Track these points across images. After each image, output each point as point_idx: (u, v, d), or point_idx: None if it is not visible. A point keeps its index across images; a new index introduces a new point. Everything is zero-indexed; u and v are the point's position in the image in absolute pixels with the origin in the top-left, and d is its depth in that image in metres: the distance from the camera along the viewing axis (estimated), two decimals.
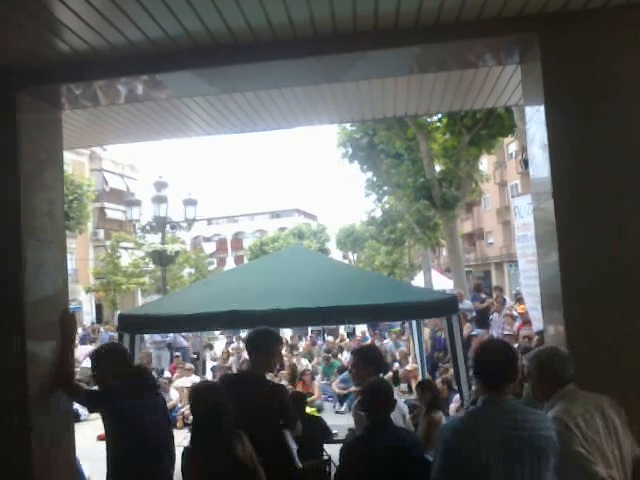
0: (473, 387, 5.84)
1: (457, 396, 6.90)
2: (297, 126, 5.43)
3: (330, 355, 13.51)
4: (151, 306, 6.94)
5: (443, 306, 5.89)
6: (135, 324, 5.82)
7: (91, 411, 3.93)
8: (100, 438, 9.47)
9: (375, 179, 21.86)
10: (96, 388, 3.61)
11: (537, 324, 9.00)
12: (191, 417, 3.41)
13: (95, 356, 3.66)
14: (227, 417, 3.24)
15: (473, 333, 9.48)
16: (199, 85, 3.87)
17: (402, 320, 9.34)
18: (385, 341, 14.77)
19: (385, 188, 22.15)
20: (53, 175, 3.78)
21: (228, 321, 5.66)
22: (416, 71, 3.99)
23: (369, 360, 4.10)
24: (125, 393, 3.46)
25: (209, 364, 14.48)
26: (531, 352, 3.11)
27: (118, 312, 31.37)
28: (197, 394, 3.33)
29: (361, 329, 18.46)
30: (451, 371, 8.05)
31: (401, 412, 4.00)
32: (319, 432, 5.31)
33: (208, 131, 5.20)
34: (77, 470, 4.03)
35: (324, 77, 3.93)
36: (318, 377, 12.20)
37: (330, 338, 16.65)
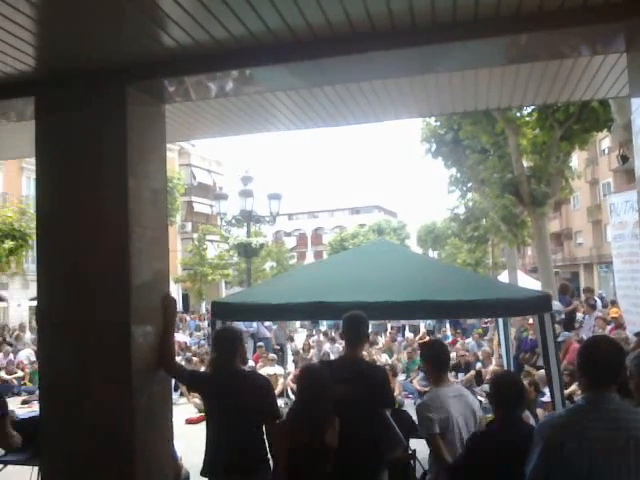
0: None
1: (546, 397, 6.68)
2: (382, 120, 5.40)
3: (412, 350, 13.43)
4: (242, 295, 7.16)
5: (536, 304, 5.71)
6: (227, 311, 6.04)
7: (190, 390, 4.14)
8: (188, 421, 9.91)
9: (459, 175, 21.42)
10: (194, 368, 3.78)
11: (632, 327, 8.55)
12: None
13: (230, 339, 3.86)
14: (326, 401, 3.34)
15: (560, 339, 9.03)
16: (289, 79, 3.94)
17: (493, 317, 9.12)
18: (467, 340, 14.50)
19: (469, 184, 21.67)
20: (157, 166, 3.96)
21: (314, 312, 5.77)
22: (515, 61, 3.88)
23: (427, 356, 4.10)
24: (223, 377, 3.64)
25: (290, 356, 14.73)
26: (632, 353, 3.01)
27: (203, 302, 32.47)
28: (303, 375, 3.47)
29: (442, 327, 18.19)
30: (539, 372, 7.82)
31: (471, 409, 3.94)
32: (404, 425, 5.29)
33: (294, 126, 5.26)
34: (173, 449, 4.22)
35: (420, 68, 3.90)
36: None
37: (410, 335, 16.52)
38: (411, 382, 11.95)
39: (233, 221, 18.22)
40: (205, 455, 3.84)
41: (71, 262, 3.70)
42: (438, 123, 19.20)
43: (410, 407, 10.58)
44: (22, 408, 10.81)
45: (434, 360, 3.97)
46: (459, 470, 3.29)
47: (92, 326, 3.60)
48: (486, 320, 16.25)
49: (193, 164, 38.53)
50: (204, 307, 32.84)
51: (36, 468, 5.30)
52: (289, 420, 3.51)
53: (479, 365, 11.63)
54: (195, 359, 12.88)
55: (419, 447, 5.26)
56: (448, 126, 18.84)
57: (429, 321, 18.23)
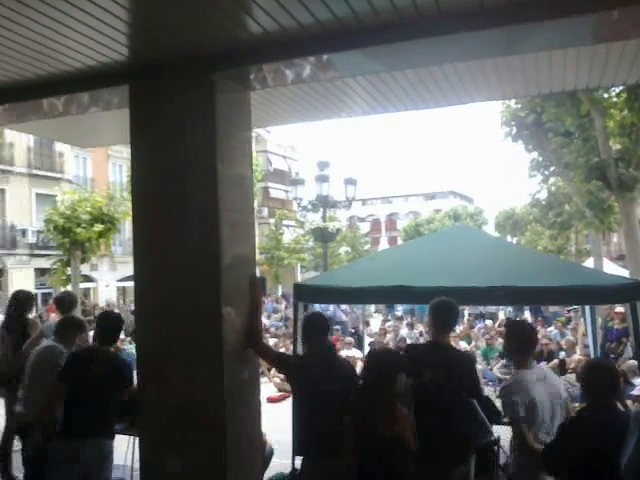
0: None
1: (636, 389, 6.42)
2: (464, 103, 5.29)
3: (490, 337, 13.20)
4: (323, 278, 7.27)
5: (627, 291, 5.46)
6: (310, 294, 6.16)
7: (278, 371, 4.29)
8: (270, 400, 10.19)
9: (541, 159, 20.63)
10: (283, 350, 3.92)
11: None
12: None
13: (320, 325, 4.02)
14: (396, 385, 3.35)
15: None
16: (372, 63, 3.93)
17: (580, 304, 8.79)
18: (549, 329, 14.09)
19: (552, 168, 20.84)
20: (243, 151, 4.08)
21: (394, 295, 5.79)
22: (605, 39, 3.71)
23: (513, 337, 4.00)
24: (313, 361, 3.75)
25: (366, 340, 14.79)
26: None
27: (280, 285, 33.01)
28: (374, 357, 3.49)
29: (521, 315, 17.72)
30: (628, 362, 7.53)
31: (557, 393, 3.84)
32: (487, 412, 5.23)
33: (372, 110, 5.24)
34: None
35: (505, 49, 3.80)
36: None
37: (489, 322, 16.21)
38: (491, 369, 11.75)
39: (309, 206, 18.42)
40: (294, 435, 3.97)
41: (163, 245, 3.88)
42: (519, 105, 18.53)
43: (491, 395, 10.46)
44: None
45: (520, 341, 3.89)
46: (553, 457, 3.24)
47: (184, 307, 3.77)
48: (569, 308, 15.70)
49: (269, 150, 39.16)
50: (280, 290, 33.46)
51: (131, 437, 5.64)
52: (355, 407, 3.52)
53: (562, 354, 11.28)
54: (274, 340, 13.19)
55: (502, 434, 5.21)
56: (530, 108, 18.15)
57: (508, 308, 17.80)
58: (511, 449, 3.90)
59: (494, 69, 4.35)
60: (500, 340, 13.70)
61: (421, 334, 14.50)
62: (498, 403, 6.38)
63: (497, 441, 4.93)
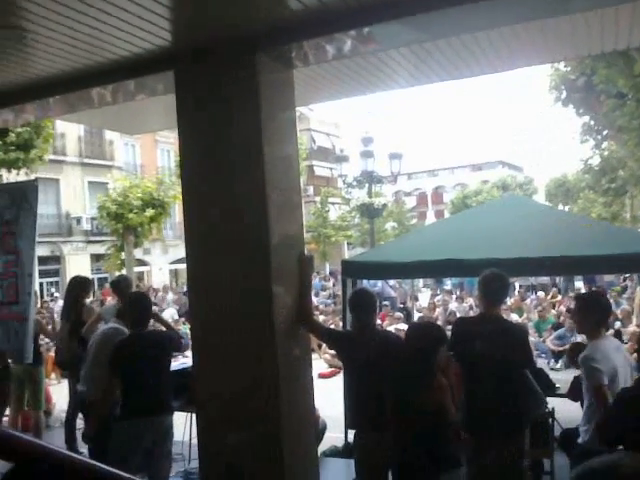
0: None
1: None
2: (510, 69, 5.15)
3: (542, 309, 12.98)
4: (370, 254, 7.28)
5: None
6: (358, 270, 6.19)
7: (329, 347, 4.36)
8: (321, 376, 10.34)
9: (593, 123, 19.94)
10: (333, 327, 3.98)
11: None
12: None
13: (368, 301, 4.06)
14: (436, 357, 3.37)
15: None
16: (414, 33, 3.86)
17: (638, 272, 8.54)
18: None
19: (605, 132, 20.12)
20: (288, 131, 4.09)
21: (443, 269, 5.75)
22: None
23: (585, 307, 3.93)
24: (363, 337, 3.79)
25: (415, 315, 14.77)
26: None
27: (327, 263, 33.19)
28: (414, 331, 3.50)
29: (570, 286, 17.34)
30: None
31: (629, 362, 3.77)
32: (542, 384, 5.18)
33: (415, 81, 5.13)
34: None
35: (554, 10, 3.68)
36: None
37: (541, 294, 15.92)
38: (544, 342, 11.59)
39: (354, 183, 18.35)
40: (346, 410, 4.03)
41: (213, 228, 3.95)
42: (568, 68, 17.91)
43: (544, 367, 10.32)
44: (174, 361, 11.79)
45: (594, 311, 3.83)
46: (609, 427, 3.20)
47: (235, 287, 3.84)
48: (625, 276, 15.27)
49: (312, 128, 39.08)
50: (328, 268, 33.62)
51: (188, 414, 5.84)
52: (396, 380, 3.55)
53: (618, 324, 11.01)
54: (322, 317, 13.32)
55: (556, 405, 5.16)
56: (580, 71, 17.51)
57: (559, 279, 17.41)
58: (585, 418, 3.84)
59: (542, 32, 4.21)
60: (553, 312, 13.48)
61: (471, 307, 14.38)
62: (552, 375, 6.33)
63: (552, 413, 4.88)
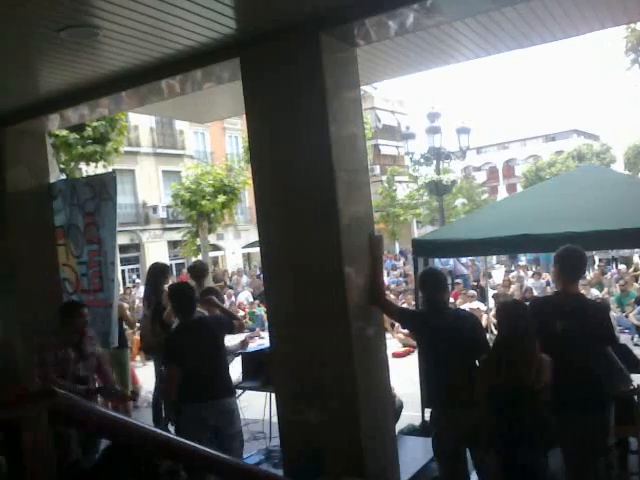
0: None
1: None
2: (582, 33, 4.88)
3: (625, 283, 12.42)
4: (442, 232, 7.18)
5: None
6: (429, 248, 6.11)
7: (402, 327, 4.34)
8: (395, 355, 10.35)
9: None
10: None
11: None
12: None
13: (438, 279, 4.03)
14: (528, 337, 3.30)
15: None
16: (481, 2, 3.74)
17: None
18: None
19: None
20: (354, 110, 4.08)
21: (518, 245, 5.59)
22: None
23: None
24: (436, 316, 3.77)
25: (489, 292, 14.49)
26: None
27: (396, 242, 32.98)
28: (504, 311, 3.45)
29: None
30: None
31: None
32: (626, 360, 4.98)
33: (483, 52, 4.98)
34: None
35: None
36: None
37: (623, 267, 15.24)
38: (626, 317, 11.12)
39: (421, 160, 18.07)
40: (422, 388, 4.02)
41: (284, 210, 4.01)
42: None
43: (628, 342, 9.91)
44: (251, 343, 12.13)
45: None
46: None
47: (308, 269, 3.90)
48: None
49: (377, 107, 38.67)
50: (397, 247, 33.40)
51: (267, 393, 5.99)
52: (490, 360, 3.51)
53: None
54: (393, 297, 13.27)
55: None
56: None
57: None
58: None
59: None
60: (635, 285, 12.87)
61: (548, 284, 13.95)
62: (637, 351, 6.06)
63: (637, 390, 4.69)
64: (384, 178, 34.19)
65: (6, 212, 5.59)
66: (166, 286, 6.24)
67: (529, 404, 3.32)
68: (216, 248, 29.17)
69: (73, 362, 4.69)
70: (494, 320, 11.56)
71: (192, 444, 2.07)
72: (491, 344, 3.84)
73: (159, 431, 2.22)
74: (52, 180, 6.01)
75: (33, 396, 1.67)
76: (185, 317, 4.66)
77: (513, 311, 3.48)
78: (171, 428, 4.77)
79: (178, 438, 2.11)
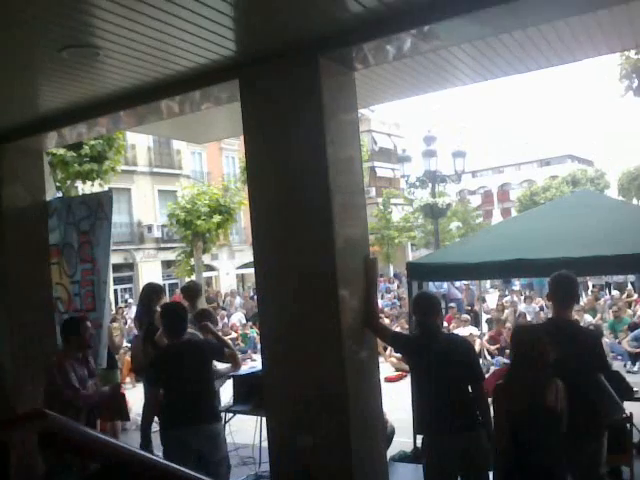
0: None
1: None
2: (578, 60, 4.95)
3: (618, 309, 12.43)
4: (436, 255, 7.19)
5: None
6: (424, 272, 6.11)
7: (396, 350, 4.30)
8: (387, 380, 10.28)
9: None
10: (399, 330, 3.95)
11: None
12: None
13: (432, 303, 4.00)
14: (543, 358, 3.26)
15: None
16: (477, 28, 3.78)
17: None
18: None
19: None
20: (351, 133, 4.11)
21: (512, 270, 5.61)
22: None
23: None
24: (429, 340, 3.75)
25: (483, 317, 14.46)
26: None
27: (391, 265, 32.94)
28: (519, 334, 3.45)
29: None
30: None
31: None
32: (618, 388, 4.96)
33: (479, 77, 5.03)
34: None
35: None
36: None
37: (616, 293, 15.27)
38: (619, 343, 11.11)
39: (417, 183, 18.16)
40: (415, 415, 3.99)
41: (279, 232, 4.01)
42: None
43: (619, 369, 9.88)
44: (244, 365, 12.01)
45: None
46: None
47: (302, 291, 3.88)
48: None
49: (373, 129, 38.95)
50: (392, 270, 33.37)
51: (259, 417, 5.91)
52: (509, 385, 3.47)
53: None
54: (387, 320, 13.23)
55: (635, 410, 4.93)
56: None
57: (635, 277, 16.60)
58: None
59: (611, 19, 4.05)
60: (629, 312, 12.88)
61: (541, 308, 13.95)
62: (629, 379, 6.04)
63: (630, 418, 4.66)
64: (380, 200, 34.30)
65: (1, 229, 5.57)
66: (158, 307, 6.18)
67: (550, 428, 3.27)
68: (210, 268, 29.08)
69: (87, 379, 4.62)
70: (487, 346, 11.55)
71: (180, 468, 2.05)
72: (485, 370, 3.82)
73: (148, 454, 2.19)
74: (48, 198, 5.99)
75: (23, 418, 1.64)
76: (174, 338, 4.55)
77: (530, 334, 3.48)
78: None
79: (166, 462, 2.08)
